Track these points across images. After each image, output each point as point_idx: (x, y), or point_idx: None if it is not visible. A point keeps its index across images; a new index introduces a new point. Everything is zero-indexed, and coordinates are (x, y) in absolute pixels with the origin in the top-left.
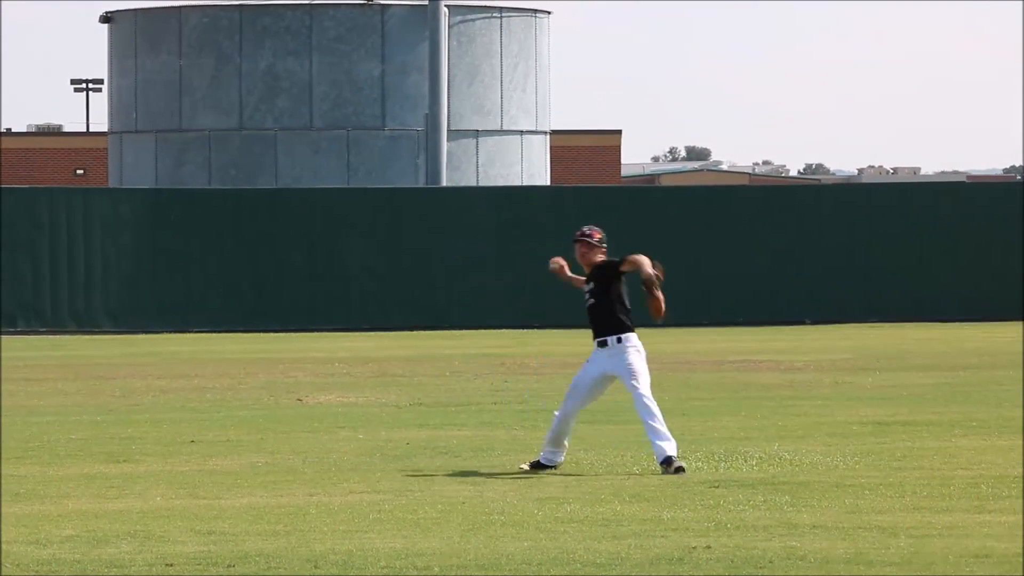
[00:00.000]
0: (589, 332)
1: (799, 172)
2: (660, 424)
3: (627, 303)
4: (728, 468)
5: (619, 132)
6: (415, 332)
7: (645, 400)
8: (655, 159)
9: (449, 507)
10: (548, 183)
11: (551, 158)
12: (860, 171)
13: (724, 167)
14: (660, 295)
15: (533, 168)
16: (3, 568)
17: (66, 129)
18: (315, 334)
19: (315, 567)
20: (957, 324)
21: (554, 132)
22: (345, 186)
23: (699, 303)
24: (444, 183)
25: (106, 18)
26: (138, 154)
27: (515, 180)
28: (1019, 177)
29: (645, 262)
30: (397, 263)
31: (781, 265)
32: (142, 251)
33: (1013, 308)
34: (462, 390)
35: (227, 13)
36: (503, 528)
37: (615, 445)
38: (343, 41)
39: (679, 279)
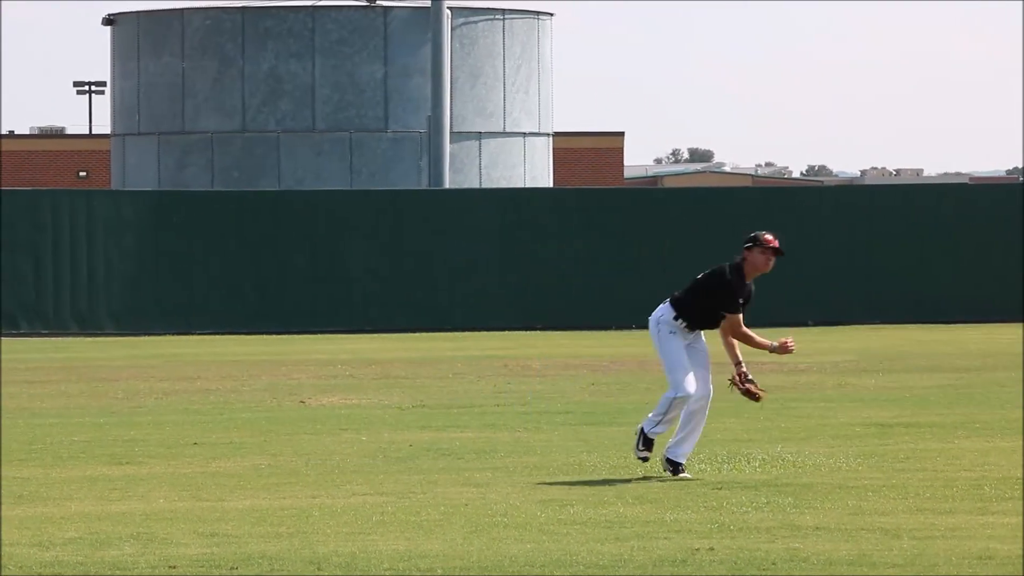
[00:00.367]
0: (590, 334)
1: (802, 174)
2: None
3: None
4: (731, 470)
5: (622, 134)
6: (418, 334)
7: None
8: (658, 161)
9: (452, 509)
10: (551, 185)
11: (554, 160)
12: (863, 173)
13: (727, 169)
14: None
15: (536, 170)
16: (5, 570)
17: (69, 131)
18: (318, 336)
19: (318, 569)
20: (959, 325)
21: (557, 134)
22: (348, 188)
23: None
24: (447, 185)
25: (109, 20)
26: (141, 156)
27: (518, 182)
28: (1021, 179)
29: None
30: (399, 265)
31: (783, 267)
32: (145, 253)
33: (1015, 309)
34: (465, 392)
35: (229, 15)
36: (506, 530)
37: (618, 447)
38: (346, 43)
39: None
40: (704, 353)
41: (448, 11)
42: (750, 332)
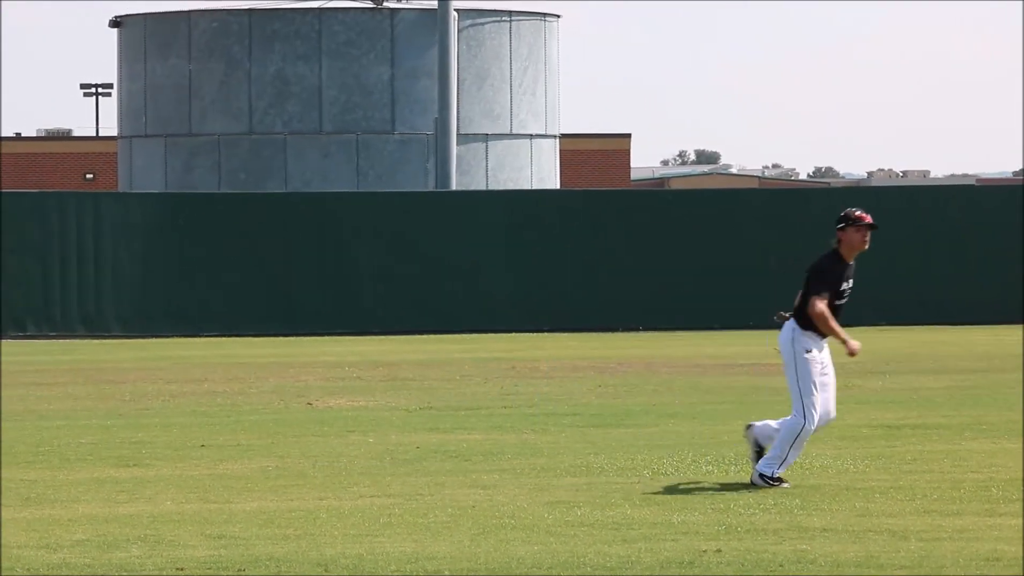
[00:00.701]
0: (597, 335)
1: (809, 175)
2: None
3: None
4: (738, 472)
5: (628, 136)
6: (425, 336)
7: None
8: (664, 163)
9: (459, 511)
10: (558, 187)
11: (561, 162)
12: (869, 174)
13: (734, 171)
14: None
15: (543, 172)
16: (13, 572)
17: (76, 133)
18: (325, 338)
19: (325, 571)
20: (966, 327)
21: (564, 136)
22: (355, 190)
23: (709, 306)
24: (454, 187)
25: (115, 22)
26: (148, 158)
27: (524, 184)
28: None
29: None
30: (407, 267)
31: (790, 269)
32: (152, 255)
33: (1021, 311)
34: (472, 394)
35: (236, 17)
36: (513, 532)
37: (625, 449)
38: (353, 45)
39: (688, 282)
40: (833, 374)
41: (455, 13)
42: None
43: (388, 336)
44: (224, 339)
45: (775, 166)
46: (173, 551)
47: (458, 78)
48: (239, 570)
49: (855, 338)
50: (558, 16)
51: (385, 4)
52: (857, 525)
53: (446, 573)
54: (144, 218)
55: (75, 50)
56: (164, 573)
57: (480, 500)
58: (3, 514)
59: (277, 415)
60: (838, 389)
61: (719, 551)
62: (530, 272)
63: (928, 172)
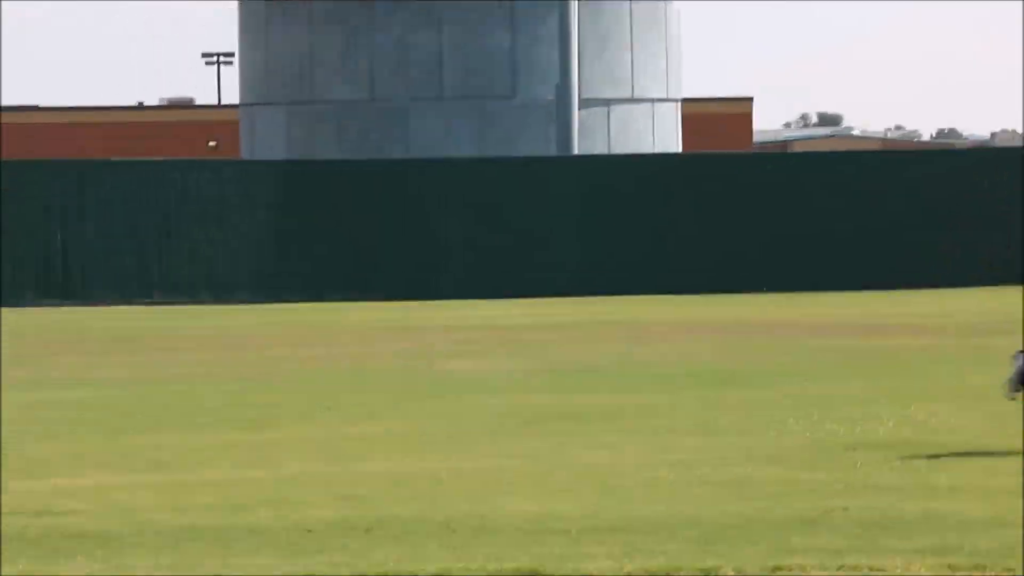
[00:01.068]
0: (723, 297)
1: (931, 137)
2: None
3: None
4: (863, 430)
5: (751, 99)
6: (546, 300)
7: None
8: (787, 125)
9: (581, 471)
10: (679, 151)
11: (683, 126)
12: (993, 135)
13: (856, 132)
14: None
15: (665, 136)
16: (145, 536)
17: (198, 102)
18: (448, 302)
19: (451, 531)
20: None
21: (686, 100)
22: (476, 156)
23: (836, 268)
24: (575, 152)
25: None
26: (269, 126)
27: (647, 148)
28: None
29: None
30: (530, 231)
31: (916, 229)
32: (277, 221)
33: None
34: (591, 356)
35: None
36: (636, 491)
37: (747, 408)
38: (474, 11)
39: (815, 244)
40: None
41: None
42: None
43: (508, 299)
44: (348, 303)
45: (898, 128)
46: (300, 512)
47: (579, 43)
48: (366, 530)
49: (996, 297)
50: None
51: None
52: (984, 484)
53: (572, 532)
54: (267, 185)
55: (196, 20)
56: (292, 535)
57: (601, 460)
58: (131, 478)
59: (401, 378)
60: (967, 349)
61: (846, 509)
62: (653, 235)
63: None
